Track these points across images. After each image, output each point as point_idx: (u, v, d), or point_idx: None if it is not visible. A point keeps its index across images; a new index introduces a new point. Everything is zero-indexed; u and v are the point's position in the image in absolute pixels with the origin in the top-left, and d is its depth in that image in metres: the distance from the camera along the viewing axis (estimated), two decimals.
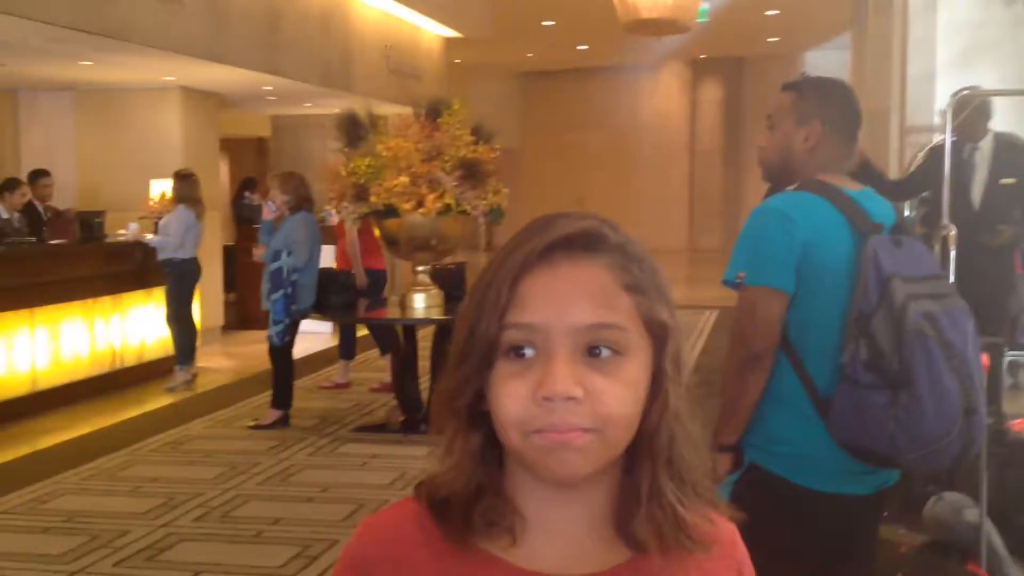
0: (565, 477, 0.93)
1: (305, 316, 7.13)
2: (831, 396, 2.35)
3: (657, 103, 21.87)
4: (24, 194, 9.09)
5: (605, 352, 0.92)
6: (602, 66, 20.69)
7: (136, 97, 10.47)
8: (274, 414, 7.15)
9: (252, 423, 7.19)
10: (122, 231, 8.96)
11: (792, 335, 2.42)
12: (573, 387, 0.90)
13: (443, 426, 0.98)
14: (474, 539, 0.96)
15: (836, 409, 2.34)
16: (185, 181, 8.60)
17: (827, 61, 15.68)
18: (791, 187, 2.55)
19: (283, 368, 7.15)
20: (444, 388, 0.97)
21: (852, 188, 2.50)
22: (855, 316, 2.31)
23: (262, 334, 7.25)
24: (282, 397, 7.19)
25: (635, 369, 0.94)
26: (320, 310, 7.17)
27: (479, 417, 0.96)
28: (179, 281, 8.48)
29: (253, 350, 9.40)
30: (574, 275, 0.93)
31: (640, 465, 0.96)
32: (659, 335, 0.96)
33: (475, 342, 0.94)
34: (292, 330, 7.07)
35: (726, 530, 1.04)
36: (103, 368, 8.41)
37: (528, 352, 0.92)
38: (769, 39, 17.89)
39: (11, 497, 5.60)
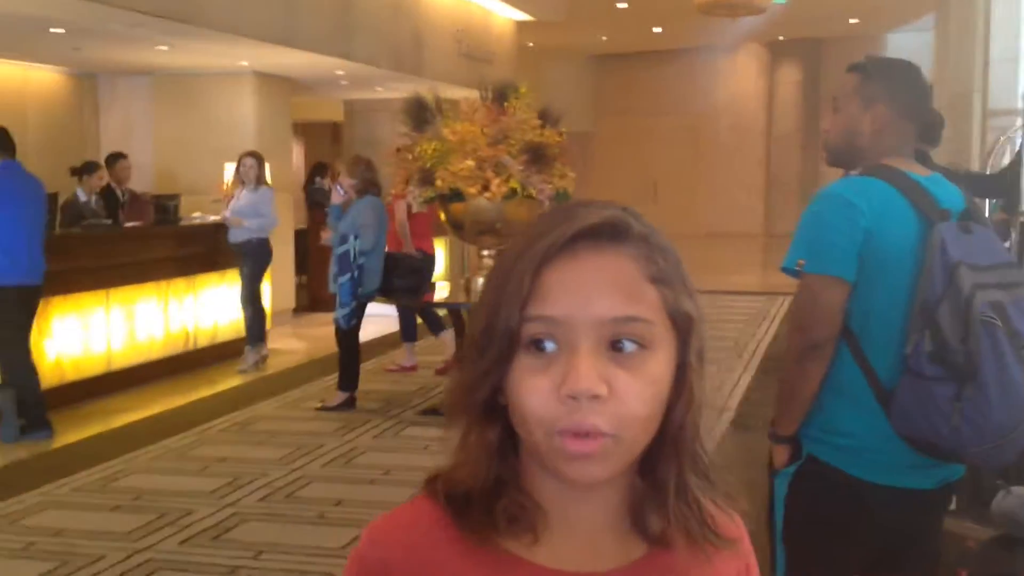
0: (582, 486, 0.91)
1: (371, 299, 7.18)
2: (893, 387, 2.28)
3: (733, 86, 21.53)
4: (102, 177, 9.26)
5: (629, 346, 0.89)
6: (677, 48, 20.41)
7: (211, 82, 10.63)
8: (340, 396, 7.21)
9: (319, 405, 7.26)
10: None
11: (854, 324, 2.35)
12: (598, 384, 0.87)
13: (457, 419, 0.95)
14: (496, 536, 0.93)
15: (898, 401, 2.27)
16: (263, 162, 8.70)
17: (910, 43, 15.29)
18: (854, 171, 2.47)
19: (349, 351, 7.20)
20: (460, 381, 0.94)
21: (919, 172, 2.41)
22: (919, 305, 2.24)
23: (332, 316, 7.31)
24: (348, 379, 7.24)
25: (659, 364, 0.91)
26: (385, 293, 7.21)
27: (496, 410, 0.93)
28: (256, 262, 8.57)
29: (323, 332, 9.47)
30: (598, 266, 0.90)
31: (666, 461, 0.94)
32: (684, 328, 0.93)
33: (494, 335, 0.90)
34: (359, 313, 7.12)
35: (739, 523, 1.02)
36: (176, 349, 8.55)
37: (549, 346, 0.89)
38: (850, 20, 17.47)
39: (83, 475, 5.72)
